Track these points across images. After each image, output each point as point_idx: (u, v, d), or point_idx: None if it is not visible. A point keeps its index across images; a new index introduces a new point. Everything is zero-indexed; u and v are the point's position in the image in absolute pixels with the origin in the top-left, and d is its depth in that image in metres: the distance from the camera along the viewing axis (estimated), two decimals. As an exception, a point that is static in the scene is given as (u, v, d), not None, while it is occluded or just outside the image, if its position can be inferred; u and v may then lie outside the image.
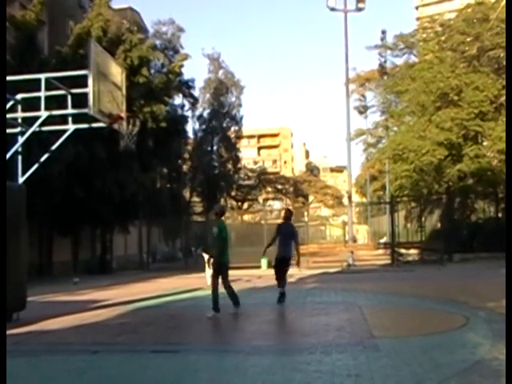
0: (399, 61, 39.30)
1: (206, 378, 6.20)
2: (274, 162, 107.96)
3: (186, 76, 44.32)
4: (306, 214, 40.54)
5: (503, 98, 25.71)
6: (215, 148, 54.06)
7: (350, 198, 29.71)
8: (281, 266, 12.39)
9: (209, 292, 16.20)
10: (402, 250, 27.78)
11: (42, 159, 12.35)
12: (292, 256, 12.68)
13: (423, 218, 30.41)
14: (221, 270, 10.68)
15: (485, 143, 29.66)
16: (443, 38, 32.64)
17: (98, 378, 6.30)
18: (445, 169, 29.00)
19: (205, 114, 53.60)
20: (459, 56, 31.08)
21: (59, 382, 6.17)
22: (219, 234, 10.57)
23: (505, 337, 5.16)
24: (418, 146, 28.65)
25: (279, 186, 70.82)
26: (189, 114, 49.61)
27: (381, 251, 30.00)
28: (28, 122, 12.04)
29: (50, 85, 12.11)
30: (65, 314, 11.39)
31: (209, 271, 18.84)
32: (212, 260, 10.98)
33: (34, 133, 11.93)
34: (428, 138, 28.52)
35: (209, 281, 18.42)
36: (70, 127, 12.15)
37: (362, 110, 49.83)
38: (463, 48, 31.05)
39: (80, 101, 11.85)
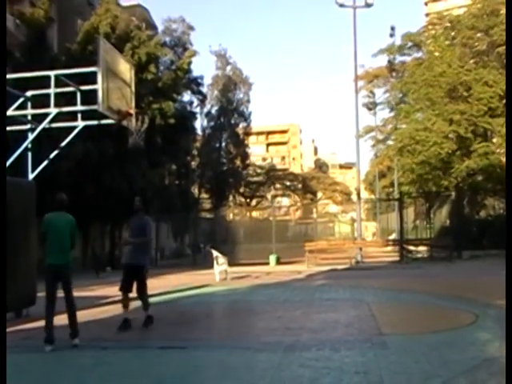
0: (408, 59, 39.12)
1: (214, 374, 6.21)
2: (283, 158, 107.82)
3: (195, 73, 44.28)
4: (314, 210, 40.47)
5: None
6: (224, 144, 54.02)
7: (358, 194, 29.65)
8: (129, 276, 9.13)
9: (217, 288, 16.30)
10: (411, 247, 27.69)
11: (52, 156, 12.41)
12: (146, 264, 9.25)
13: (432, 215, 30.29)
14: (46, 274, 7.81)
15: (494, 140, 29.51)
16: (452, 34, 32.47)
17: (107, 373, 6.33)
18: (453, 163, 28.87)
19: (213, 111, 53.56)
20: (468, 51, 30.93)
21: (68, 378, 6.21)
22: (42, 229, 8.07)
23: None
24: (426, 137, 28.54)
25: (288, 183, 70.61)
26: (197, 110, 49.65)
27: (389, 248, 29.92)
28: (38, 118, 12.10)
29: (59, 82, 12.15)
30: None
31: (217, 267, 18.94)
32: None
33: (43, 129, 11.98)
34: (434, 131, 28.42)
35: (217, 277, 18.53)
36: (80, 124, 12.20)
37: (371, 106, 49.64)
38: (472, 43, 30.89)
39: (89, 98, 11.90)
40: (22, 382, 6.00)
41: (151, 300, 13.42)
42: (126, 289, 9.08)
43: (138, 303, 12.73)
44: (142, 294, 9.20)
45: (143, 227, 9.16)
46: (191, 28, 46.27)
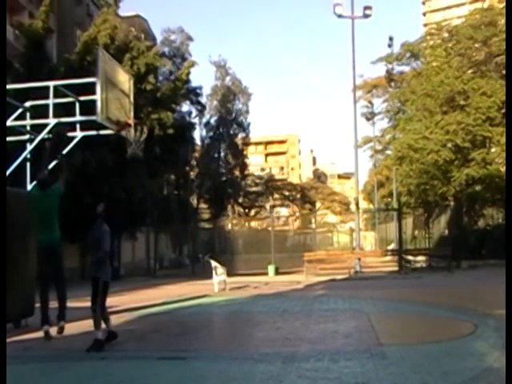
0: (406, 69, 39.36)
1: (214, 385, 6.20)
2: (282, 168, 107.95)
3: (194, 83, 44.42)
4: (313, 220, 40.47)
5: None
6: (222, 155, 54.14)
7: (357, 204, 29.66)
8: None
9: (216, 299, 16.27)
10: (410, 257, 27.67)
11: (50, 166, 12.40)
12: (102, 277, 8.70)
13: (431, 225, 30.30)
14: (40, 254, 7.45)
15: (493, 150, 29.59)
16: (450, 45, 32.64)
17: (106, 384, 6.31)
18: (451, 173, 28.93)
19: (212, 121, 53.74)
20: (467, 61, 31.08)
21: (67, 389, 6.19)
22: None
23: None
24: (423, 145, 28.64)
25: (286, 193, 70.74)
26: (196, 120, 49.73)
27: (388, 258, 29.91)
28: (37, 129, 12.13)
29: (58, 92, 12.20)
30: (72, 321, 11.39)
31: (216, 278, 18.91)
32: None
33: (42, 140, 12.00)
34: (432, 139, 28.52)
35: (216, 287, 18.49)
36: (78, 134, 12.23)
37: (370, 116, 49.84)
38: (470, 53, 31.05)
39: (88, 108, 11.93)
40: (20, 394, 5.97)
41: (150, 310, 13.42)
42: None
43: (134, 314, 12.72)
44: (96, 306, 8.52)
45: (99, 240, 8.73)
46: (190, 38, 46.56)
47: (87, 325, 10.93)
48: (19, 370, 6.99)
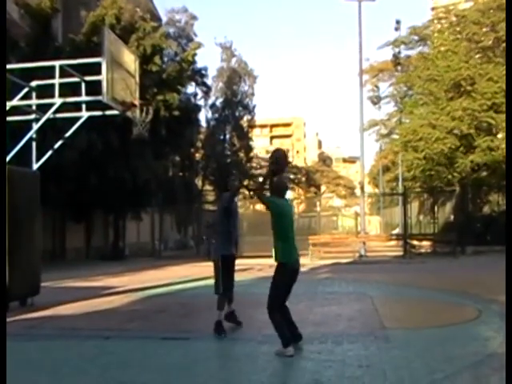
0: (413, 53, 39.02)
1: (217, 365, 6.24)
2: (287, 151, 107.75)
3: (199, 64, 44.09)
4: (318, 204, 40.47)
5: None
6: (228, 137, 53.96)
7: (362, 188, 29.59)
8: (230, 270, 8.27)
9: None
10: (415, 242, 27.65)
11: (56, 146, 12.40)
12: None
13: (436, 210, 30.25)
14: None
15: (499, 135, 29.42)
16: (458, 29, 32.32)
17: (110, 362, 6.34)
18: (457, 159, 28.81)
19: (217, 103, 53.49)
20: (474, 46, 30.78)
21: (71, 366, 6.23)
22: None
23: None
24: (428, 134, 28.51)
25: (291, 176, 70.66)
26: (201, 102, 49.50)
27: (393, 243, 29.89)
28: (42, 108, 12.08)
29: (64, 72, 12.13)
30: (77, 300, 11.49)
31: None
32: None
33: (48, 120, 11.97)
34: (438, 126, 28.37)
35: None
36: (84, 114, 12.18)
37: (376, 100, 49.48)
38: (478, 38, 30.75)
39: (94, 88, 11.87)
40: (24, 370, 6.02)
41: (154, 291, 13.49)
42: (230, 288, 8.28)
43: (139, 294, 12.78)
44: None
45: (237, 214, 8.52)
46: (194, 18, 46.22)
47: (91, 305, 11.03)
48: (23, 348, 7.04)
